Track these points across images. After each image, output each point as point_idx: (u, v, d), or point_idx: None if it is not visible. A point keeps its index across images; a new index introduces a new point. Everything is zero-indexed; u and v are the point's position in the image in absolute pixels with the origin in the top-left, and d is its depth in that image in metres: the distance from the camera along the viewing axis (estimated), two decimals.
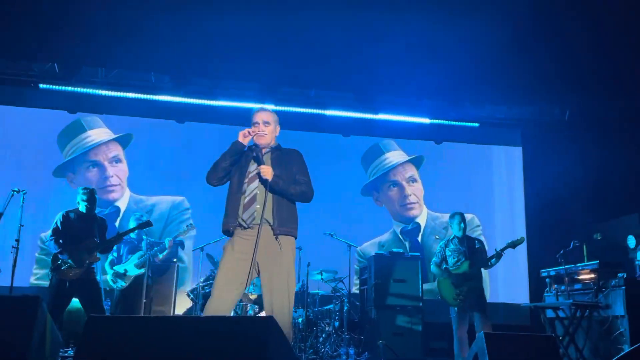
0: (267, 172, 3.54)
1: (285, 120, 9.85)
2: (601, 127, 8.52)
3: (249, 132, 3.69)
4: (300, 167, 3.75)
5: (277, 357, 1.83)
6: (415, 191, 9.57)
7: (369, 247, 9.08)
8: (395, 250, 7.55)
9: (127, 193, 8.72)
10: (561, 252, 5.80)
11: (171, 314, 6.96)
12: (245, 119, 10.67)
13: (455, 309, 5.78)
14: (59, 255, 5.28)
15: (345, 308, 6.92)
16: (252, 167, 3.65)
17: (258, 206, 3.51)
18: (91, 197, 5.55)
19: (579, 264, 5.78)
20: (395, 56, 7.62)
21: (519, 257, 8.99)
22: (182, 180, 8.77)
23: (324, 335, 6.71)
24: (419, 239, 9.42)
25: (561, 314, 5.78)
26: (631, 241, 7.28)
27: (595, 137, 8.69)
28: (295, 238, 3.67)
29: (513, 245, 5.62)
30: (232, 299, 3.42)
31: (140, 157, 8.86)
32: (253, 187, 3.57)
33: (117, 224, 8.35)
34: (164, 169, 8.82)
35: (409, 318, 6.93)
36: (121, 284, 6.36)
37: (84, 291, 5.31)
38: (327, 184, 9.22)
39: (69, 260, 5.23)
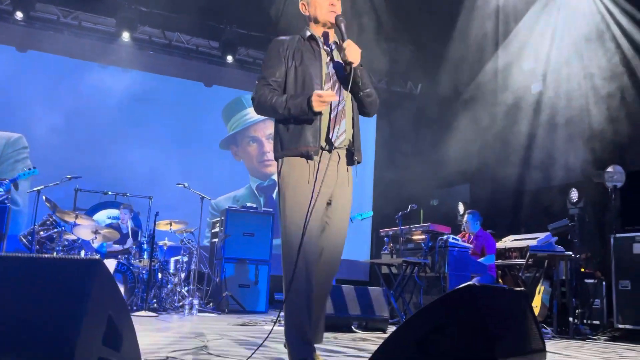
0: (356, 51, 2.44)
1: (146, 64, 9.16)
2: (445, 106, 9.25)
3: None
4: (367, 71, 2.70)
5: (102, 302, 1.78)
6: None
7: (224, 200, 9.05)
8: (249, 205, 7.61)
9: None
10: (399, 214, 6.26)
11: None
12: (98, 54, 9.78)
13: None
14: None
15: (194, 260, 6.87)
16: (330, 66, 2.56)
17: (347, 124, 2.56)
18: None
19: (412, 226, 6.28)
20: None
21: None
22: (21, 116, 7.94)
23: (169, 286, 6.62)
24: (274, 195, 9.60)
25: (395, 270, 6.29)
26: (460, 207, 8.08)
27: (440, 114, 9.42)
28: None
29: (361, 216, 6.06)
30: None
31: None
32: (341, 97, 2.55)
33: None
34: None
35: (256, 271, 7.10)
36: None
37: None
38: (185, 134, 8.96)
39: None
